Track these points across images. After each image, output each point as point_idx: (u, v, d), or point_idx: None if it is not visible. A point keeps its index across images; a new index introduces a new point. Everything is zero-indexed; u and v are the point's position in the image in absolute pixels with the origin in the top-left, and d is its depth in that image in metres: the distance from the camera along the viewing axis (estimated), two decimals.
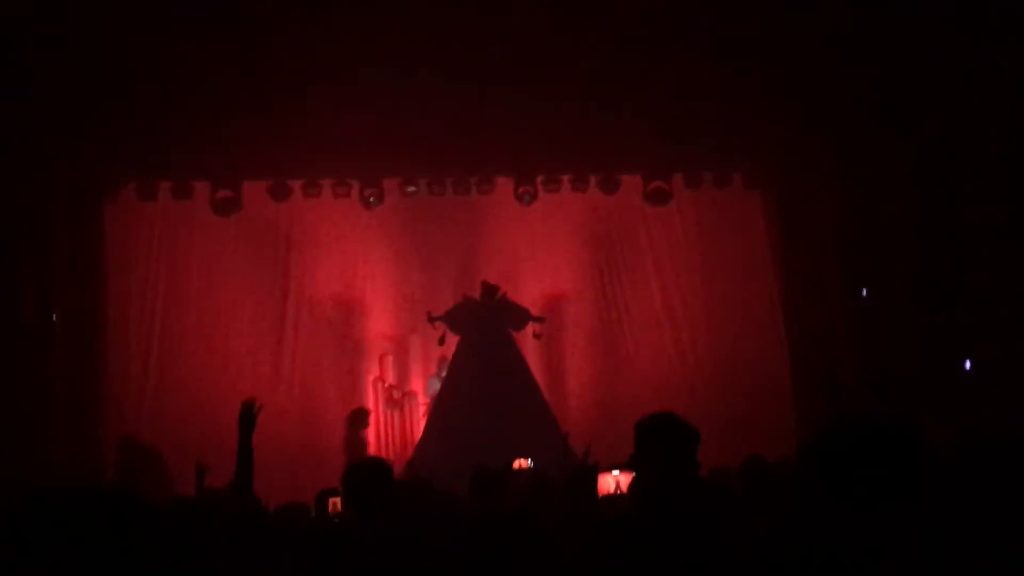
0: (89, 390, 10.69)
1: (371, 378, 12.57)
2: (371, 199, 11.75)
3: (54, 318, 10.41)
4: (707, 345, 12.78)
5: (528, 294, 12.52)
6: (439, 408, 11.43)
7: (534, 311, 12.28)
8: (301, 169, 11.46)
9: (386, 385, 12.58)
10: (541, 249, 12.89)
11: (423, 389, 12.52)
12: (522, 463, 9.20)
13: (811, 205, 11.41)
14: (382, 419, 12.47)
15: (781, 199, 11.92)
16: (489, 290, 11.77)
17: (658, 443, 3.14)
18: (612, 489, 5.35)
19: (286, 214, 12.22)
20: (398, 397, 12.58)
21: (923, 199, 9.94)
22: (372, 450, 11.92)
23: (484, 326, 11.58)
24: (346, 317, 12.64)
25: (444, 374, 12.00)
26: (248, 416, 4.18)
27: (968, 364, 9.37)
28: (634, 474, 3.46)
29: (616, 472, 5.40)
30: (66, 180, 10.51)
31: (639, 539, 2.77)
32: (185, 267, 12.19)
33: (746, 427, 10.72)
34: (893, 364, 9.88)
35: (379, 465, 3.81)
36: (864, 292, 10.65)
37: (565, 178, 12.02)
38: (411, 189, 11.94)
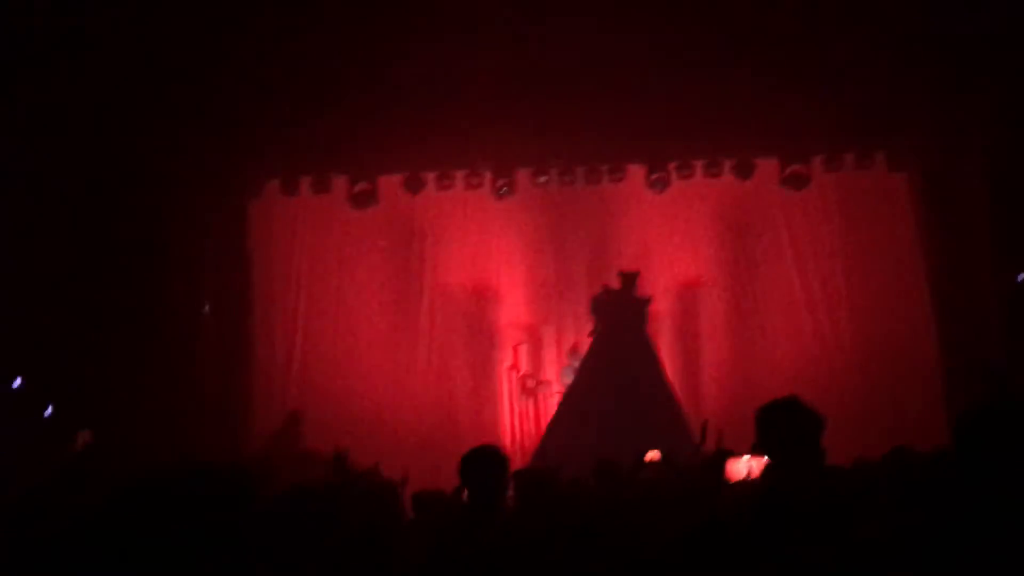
0: (236, 381, 11.22)
1: (504, 367, 12.68)
2: (503, 189, 11.84)
3: (205, 311, 10.97)
4: (849, 333, 12.30)
5: (661, 282, 12.36)
6: (571, 398, 11.41)
7: (668, 298, 12.11)
8: (434, 161, 11.66)
9: (520, 374, 12.66)
10: (674, 236, 12.69)
11: (557, 378, 12.53)
12: (654, 455, 9.08)
13: (959, 184, 10.81)
14: (516, 408, 12.57)
15: (927, 179, 11.34)
16: (628, 279, 11.63)
17: (779, 429, 2.99)
18: (744, 474, 5.21)
19: (420, 206, 12.44)
20: (532, 386, 12.63)
21: None
22: (506, 439, 12.03)
23: (620, 317, 11.48)
24: (479, 307, 12.79)
25: (578, 364, 11.98)
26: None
27: None
28: (767, 460, 3.33)
29: (747, 457, 5.26)
30: (213, 178, 11.00)
31: (747, 526, 2.69)
32: (324, 259, 12.57)
33: (893, 418, 10.29)
34: None
35: (494, 453, 3.83)
36: (1020, 276, 10.01)
37: (698, 164, 11.79)
38: (542, 179, 11.96)
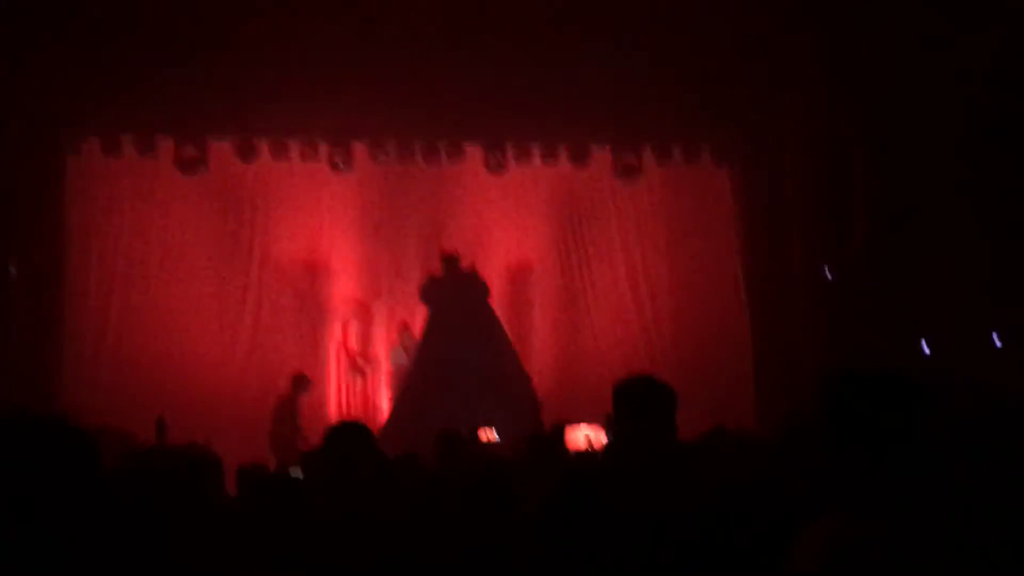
0: (48, 346, 10.56)
1: (334, 343, 12.52)
2: (339, 163, 11.63)
3: (11, 272, 10.25)
4: (669, 320, 12.92)
5: (494, 264, 12.52)
6: (409, 382, 11.28)
7: (500, 281, 12.27)
8: (269, 129, 11.31)
9: (349, 351, 12.52)
10: (509, 220, 12.91)
11: (386, 356, 12.46)
12: (488, 433, 9.20)
13: (776, 179, 11.55)
14: (344, 385, 12.44)
15: (746, 174, 12.01)
16: (450, 261, 11.61)
17: (637, 404, 3.13)
18: (583, 445, 5.37)
19: (252, 174, 12.06)
20: (361, 364, 12.54)
21: (882, 172, 10.09)
22: (333, 416, 11.87)
23: (453, 295, 11.48)
24: (310, 281, 12.57)
25: (408, 344, 11.95)
26: None
27: (925, 344, 9.54)
28: (609, 433, 3.45)
29: (585, 427, 5.41)
30: (27, 132, 10.30)
31: (616, 492, 2.78)
32: (147, 223, 12.03)
33: (706, 398, 10.82)
34: (852, 340, 10.01)
35: (363, 428, 3.78)
36: (825, 268, 10.76)
37: (536, 150, 11.97)
38: (380, 155, 11.82)
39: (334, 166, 11.66)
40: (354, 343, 12.59)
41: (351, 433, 3.70)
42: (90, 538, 1.63)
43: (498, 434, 9.34)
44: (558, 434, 5.39)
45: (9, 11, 8.76)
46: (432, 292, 11.39)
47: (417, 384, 10.89)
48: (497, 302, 11.90)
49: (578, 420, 8.51)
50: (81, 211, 11.46)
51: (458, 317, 11.06)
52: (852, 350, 9.66)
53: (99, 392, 11.02)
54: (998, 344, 8.90)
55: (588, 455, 5.33)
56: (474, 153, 11.90)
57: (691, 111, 10.93)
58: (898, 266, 9.74)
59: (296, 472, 5.41)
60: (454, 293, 11.28)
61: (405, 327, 12.27)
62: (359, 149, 11.69)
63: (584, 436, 5.54)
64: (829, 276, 10.69)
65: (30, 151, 10.38)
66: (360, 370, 12.54)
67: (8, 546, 1.53)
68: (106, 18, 9.01)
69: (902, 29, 9.15)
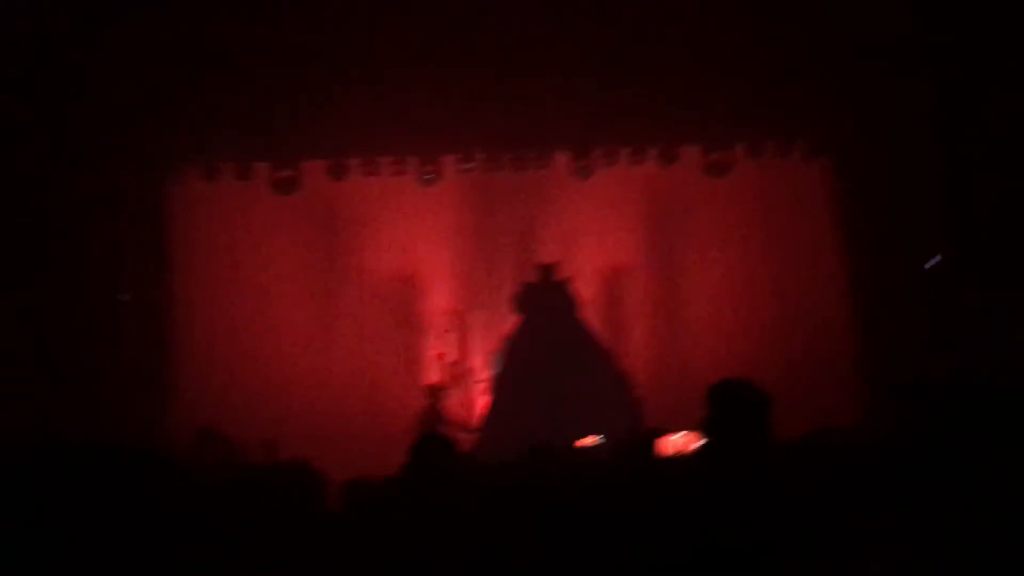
0: (159, 370, 10.98)
1: (431, 355, 12.65)
2: (428, 176, 11.80)
3: (124, 299, 10.71)
4: (770, 319, 12.61)
5: (587, 268, 12.47)
6: (501, 390, 11.32)
7: (593, 286, 12.22)
8: (359, 148, 11.56)
9: (447, 362, 12.64)
10: (599, 223, 12.81)
11: (484, 365, 12.54)
12: (588, 440, 9.13)
13: (874, 173, 11.17)
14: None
15: (844, 167, 11.67)
16: (545, 270, 11.64)
17: (730, 409, 3.07)
18: (672, 451, 5.30)
19: (345, 192, 12.32)
20: (459, 373, 12.64)
21: (995, 163, 9.67)
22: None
23: (544, 307, 11.50)
24: (405, 294, 12.73)
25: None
26: None
27: None
28: (704, 438, 3.40)
29: (676, 436, 5.35)
30: (132, 164, 10.75)
31: (710, 498, 2.74)
32: (245, 246, 12.38)
33: (810, 399, 10.55)
34: (961, 338, 9.63)
35: (445, 439, 3.84)
36: (931, 261, 10.38)
37: (623, 152, 11.93)
38: (468, 166, 11.95)
39: (424, 179, 11.83)
40: (452, 354, 12.71)
41: (432, 447, 3.75)
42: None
43: (601, 440, 9.26)
44: (648, 440, 5.33)
45: (109, 47, 9.16)
46: (525, 301, 11.42)
47: (508, 392, 10.93)
48: (590, 307, 11.85)
49: (676, 425, 8.40)
50: (184, 237, 11.87)
51: (551, 326, 11.04)
52: (963, 348, 9.29)
53: (208, 412, 11.38)
54: None
55: (677, 461, 5.25)
56: (561, 159, 11.90)
57: (784, 105, 10.68)
58: (1011, 261, 9.31)
59: None
60: (547, 302, 11.29)
61: (503, 336, 12.33)
62: (447, 162, 11.83)
63: (674, 441, 5.47)
64: (934, 268, 10.31)
65: (134, 182, 10.84)
66: (458, 379, 12.64)
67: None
68: (195, 52, 9.35)
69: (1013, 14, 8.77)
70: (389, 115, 10.57)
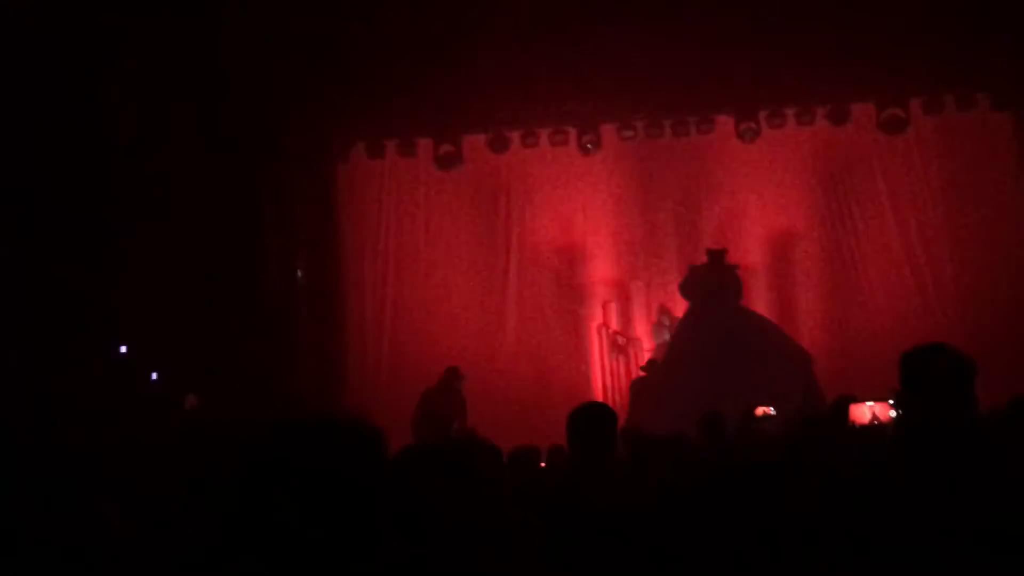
0: (330, 344, 11.39)
1: (595, 324, 12.63)
2: (589, 145, 11.71)
3: (298, 276, 11.15)
4: (951, 283, 11.92)
5: (755, 233, 12.13)
6: (671, 364, 11.10)
7: (761, 250, 11.87)
8: (519, 120, 11.58)
9: (610, 331, 12.59)
10: (766, 187, 12.39)
11: (647, 335, 12.42)
12: (765, 410, 8.88)
13: None
14: (607, 365, 12.53)
15: None
16: (715, 255, 11.29)
17: (931, 375, 2.84)
18: (868, 419, 5.06)
19: (506, 165, 12.39)
20: (622, 343, 12.57)
21: None
22: (598, 396, 11.97)
23: (712, 291, 11.20)
24: (567, 264, 12.74)
25: (667, 323, 11.83)
26: None
27: None
28: (899, 409, 3.18)
29: (871, 403, 5.10)
30: (301, 145, 11.13)
31: (913, 473, 2.60)
32: (411, 220, 12.67)
33: (995, 372, 9.92)
34: None
35: (604, 409, 3.79)
36: None
37: (790, 112, 11.47)
38: (628, 133, 11.79)
39: (584, 149, 11.76)
40: (614, 323, 12.65)
41: (595, 415, 3.71)
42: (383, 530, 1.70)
43: (776, 411, 9.01)
44: (842, 408, 5.13)
45: (280, 36, 9.47)
46: (693, 285, 11.13)
47: (680, 367, 10.70)
48: (760, 275, 11.52)
49: (853, 381, 8.04)
50: (352, 214, 12.24)
51: (720, 308, 10.72)
52: None
53: (381, 384, 11.78)
54: None
55: (874, 428, 5.01)
56: (725, 123, 11.56)
57: (965, 56, 9.98)
58: None
59: None
60: (716, 286, 10.98)
61: (664, 306, 12.18)
62: (607, 131, 11.70)
63: (869, 410, 5.21)
64: None
65: (305, 162, 11.23)
66: (621, 349, 12.58)
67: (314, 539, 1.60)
68: (361, 35, 9.55)
69: None
70: (548, 85, 10.51)
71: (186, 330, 9.44)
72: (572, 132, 11.73)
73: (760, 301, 11.70)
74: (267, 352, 10.07)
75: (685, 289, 11.01)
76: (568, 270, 12.73)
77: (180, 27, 8.92)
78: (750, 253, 11.73)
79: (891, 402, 4.90)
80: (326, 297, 11.50)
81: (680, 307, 11.53)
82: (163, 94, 9.27)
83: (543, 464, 6.18)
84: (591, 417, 3.74)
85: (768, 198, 12.41)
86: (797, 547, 2.89)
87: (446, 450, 3.66)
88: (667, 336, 11.72)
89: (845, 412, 5.16)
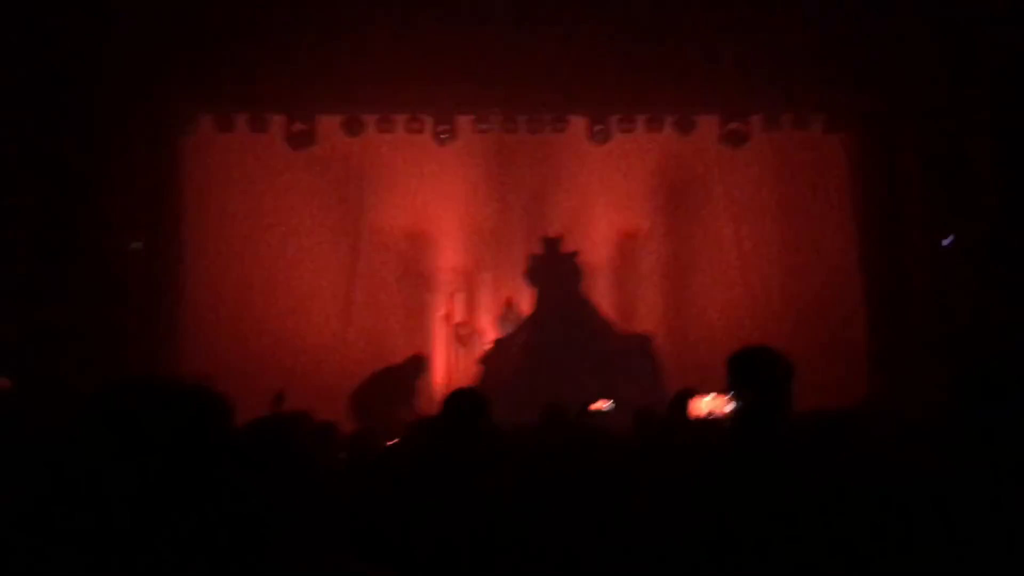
0: (167, 320, 11.01)
1: (440, 314, 12.68)
2: (443, 136, 11.72)
3: (135, 248, 10.70)
4: (778, 289, 12.63)
5: (602, 232, 12.48)
6: (513, 357, 11.32)
7: (605, 250, 12.22)
8: (376, 104, 11.47)
9: (454, 322, 12.66)
10: (613, 189, 12.80)
11: (492, 326, 12.57)
12: (600, 404, 9.12)
13: (894, 149, 11.10)
14: (447, 354, 12.60)
15: (863, 142, 11.60)
16: (550, 243, 11.62)
17: (753, 376, 3.04)
18: (703, 413, 5.26)
19: (359, 148, 12.26)
20: (466, 334, 12.66)
21: (1009, 141, 9.57)
22: (439, 385, 12.04)
23: (552, 278, 11.51)
24: (416, 252, 12.77)
25: (511, 317, 12.05)
26: None
27: None
28: (735, 405, 3.35)
29: (710, 396, 5.30)
30: (145, 113, 10.68)
31: (745, 468, 2.75)
32: (259, 197, 12.37)
33: (815, 372, 10.56)
34: (970, 315, 9.61)
35: (479, 396, 3.84)
36: (946, 240, 10.32)
37: (640, 119, 11.84)
38: (483, 127, 11.88)
39: (439, 139, 11.77)
40: (459, 314, 12.72)
41: (470, 401, 3.74)
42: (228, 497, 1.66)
43: (615, 404, 9.28)
44: (682, 402, 5.31)
45: None
46: (534, 274, 11.44)
47: (521, 359, 10.94)
48: (603, 272, 11.87)
49: (687, 379, 8.38)
50: (197, 187, 11.83)
51: (560, 299, 11.05)
52: (969, 320, 9.28)
53: (216, 363, 11.41)
54: None
55: (711, 423, 5.21)
56: (578, 123, 11.83)
57: (803, 78, 10.58)
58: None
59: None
60: (556, 275, 11.30)
61: (509, 301, 12.38)
62: (463, 122, 11.75)
63: (705, 404, 5.41)
64: (948, 244, 10.25)
65: (148, 131, 10.79)
66: (465, 340, 12.66)
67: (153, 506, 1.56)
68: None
69: None
70: (406, 72, 10.47)
71: (8, 302, 8.94)
72: (428, 121, 11.70)
73: (602, 297, 12.06)
74: (95, 327, 9.64)
75: (528, 276, 11.36)
76: (416, 257, 12.77)
77: None
78: (595, 251, 12.06)
79: (731, 394, 5.12)
80: (164, 272, 11.08)
81: (526, 301, 11.78)
82: None
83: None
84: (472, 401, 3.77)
85: (615, 199, 12.81)
86: (629, 544, 3.02)
87: (273, 426, 3.62)
88: (511, 330, 11.94)
89: (684, 407, 5.36)
